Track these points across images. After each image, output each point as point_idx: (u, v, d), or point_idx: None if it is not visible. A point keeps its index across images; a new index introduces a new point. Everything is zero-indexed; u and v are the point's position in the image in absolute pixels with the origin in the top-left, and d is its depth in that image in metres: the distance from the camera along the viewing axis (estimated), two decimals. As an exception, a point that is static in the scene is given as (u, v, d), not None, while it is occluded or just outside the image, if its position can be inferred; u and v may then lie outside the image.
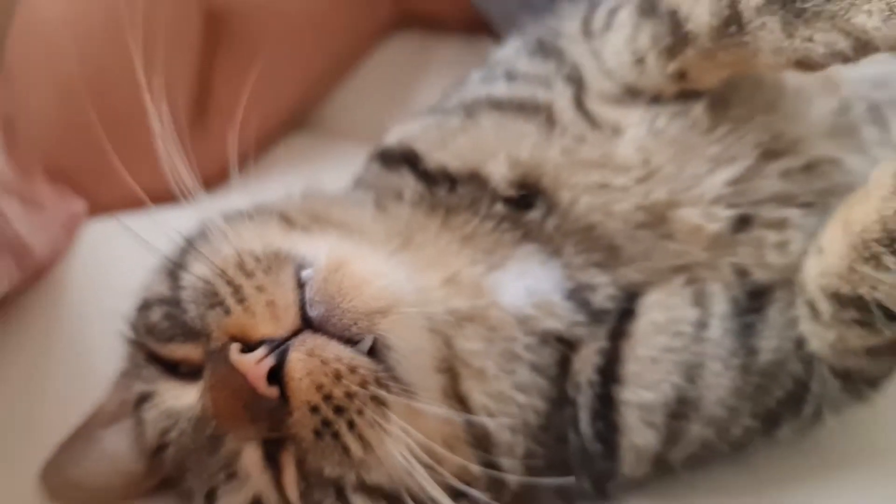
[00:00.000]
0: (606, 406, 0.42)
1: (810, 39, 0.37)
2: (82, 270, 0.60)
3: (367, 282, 0.38)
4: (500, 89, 0.48)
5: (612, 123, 0.45)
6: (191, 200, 0.45)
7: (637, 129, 0.44)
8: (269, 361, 0.35)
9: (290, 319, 0.36)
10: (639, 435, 0.42)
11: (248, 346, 0.35)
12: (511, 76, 0.49)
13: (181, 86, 0.74)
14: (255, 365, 0.35)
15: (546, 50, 0.49)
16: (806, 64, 0.37)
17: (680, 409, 0.42)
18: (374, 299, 0.37)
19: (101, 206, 0.67)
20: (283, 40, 0.85)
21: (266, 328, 0.36)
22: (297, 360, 0.35)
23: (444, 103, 0.51)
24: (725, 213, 0.43)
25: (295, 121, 0.91)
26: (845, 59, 0.36)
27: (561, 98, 0.46)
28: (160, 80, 0.66)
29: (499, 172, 0.44)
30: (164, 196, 0.67)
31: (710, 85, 0.43)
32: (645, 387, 0.42)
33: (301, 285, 0.37)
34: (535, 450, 0.42)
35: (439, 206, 0.45)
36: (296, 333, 0.36)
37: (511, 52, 0.52)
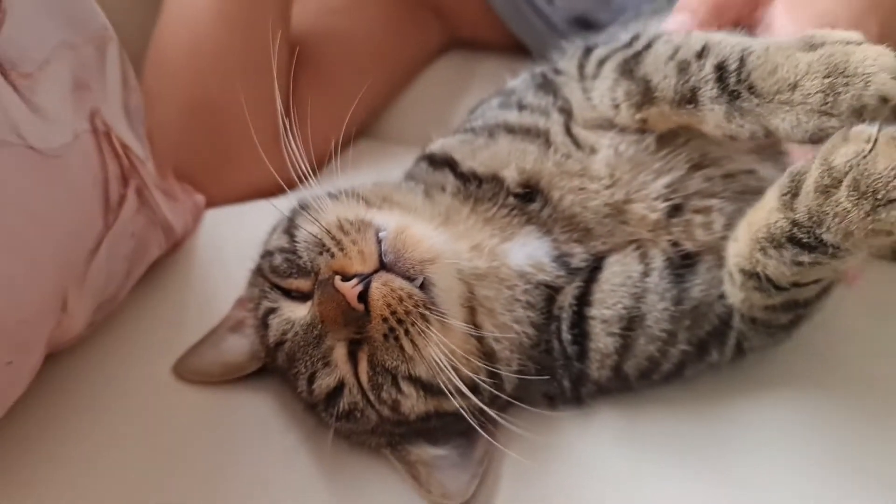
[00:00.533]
0: (580, 320, 0.58)
1: (741, 126, 0.51)
2: (204, 244, 0.76)
3: (420, 241, 0.54)
4: (513, 117, 0.64)
5: (590, 144, 0.61)
6: (292, 190, 0.63)
7: (607, 150, 0.60)
8: (359, 287, 0.52)
9: (372, 262, 0.53)
10: (601, 340, 0.58)
11: (346, 278, 0.52)
12: (521, 106, 0.65)
13: (274, 103, 0.89)
14: (350, 289, 0.51)
15: (546, 86, 0.65)
16: (734, 137, 0.53)
17: (630, 325, 0.57)
18: (426, 252, 0.54)
19: (214, 199, 0.82)
20: (350, 64, 0.97)
21: (358, 267, 0.53)
22: (377, 288, 0.52)
23: (472, 123, 0.67)
24: (662, 205, 0.59)
25: (361, 129, 1.02)
26: (762, 138, 0.52)
27: (555, 125, 0.62)
28: (260, 99, 0.81)
29: (511, 176, 0.60)
30: (258, 192, 0.83)
31: (663, 129, 0.59)
32: (606, 307, 0.58)
33: (379, 241, 0.54)
34: (526, 364, 0.58)
35: (470, 197, 0.61)
36: (376, 271, 0.53)
37: (521, 84, 0.68)
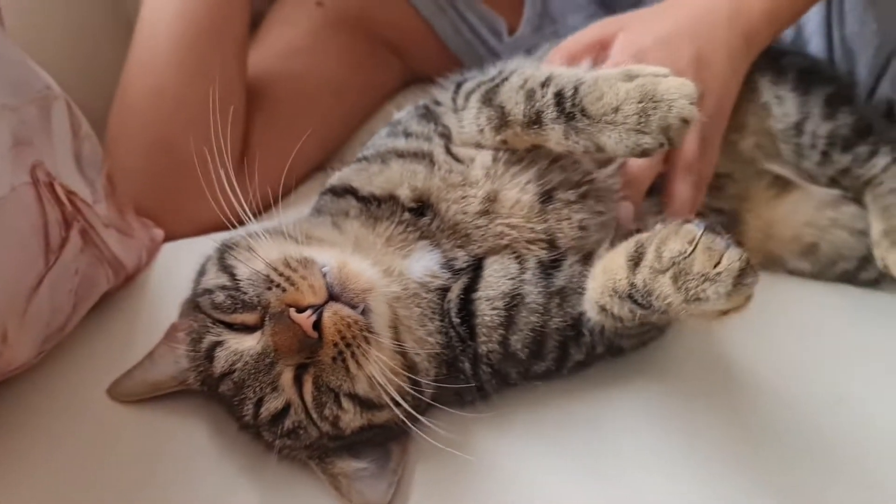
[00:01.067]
0: (467, 304, 0.67)
1: (576, 142, 0.62)
2: (157, 276, 0.82)
3: (359, 274, 0.63)
4: (401, 143, 0.73)
5: (469, 158, 0.70)
6: (238, 227, 0.70)
7: (482, 157, 0.69)
8: (314, 317, 0.59)
9: (322, 294, 0.60)
10: (486, 314, 0.66)
11: (300, 310, 0.59)
12: (407, 134, 0.74)
13: (231, 144, 0.88)
14: (306, 319, 0.59)
15: (428, 115, 0.75)
16: (572, 152, 0.64)
17: (511, 301, 0.66)
18: (365, 283, 0.62)
19: (175, 234, 0.89)
20: (308, 104, 1.02)
21: (310, 299, 0.60)
22: (328, 317, 0.59)
23: (364, 153, 0.76)
24: (534, 189, 0.68)
25: (321, 164, 1.05)
26: (594, 152, 0.63)
27: (437, 147, 0.71)
28: (217, 141, 0.88)
29: (405, 194, 0.69)
30: (217, 227, 0.90)
31: (521, 147, 0.69)
32: (490, 289, 0.66)
33: (324, 276, 0.61)
34: (440, 371, 0.66)
35: (371, 218, 0.69)
36: (326, 302, 0.60)
37: (406, 115, 0.78)
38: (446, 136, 0.73)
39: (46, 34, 0.94)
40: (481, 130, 0.69)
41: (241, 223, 0.90)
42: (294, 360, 0.60)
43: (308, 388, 0.61)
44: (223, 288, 0.65)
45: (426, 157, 0.70)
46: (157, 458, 0.65)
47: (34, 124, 0.64)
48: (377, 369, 0.60)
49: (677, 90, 0.58)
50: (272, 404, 0.62)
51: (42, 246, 0.63)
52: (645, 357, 0.73)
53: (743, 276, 0.51)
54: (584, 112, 0.61)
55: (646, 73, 0.60)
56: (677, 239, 0.54)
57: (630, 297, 0.57)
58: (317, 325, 0.59)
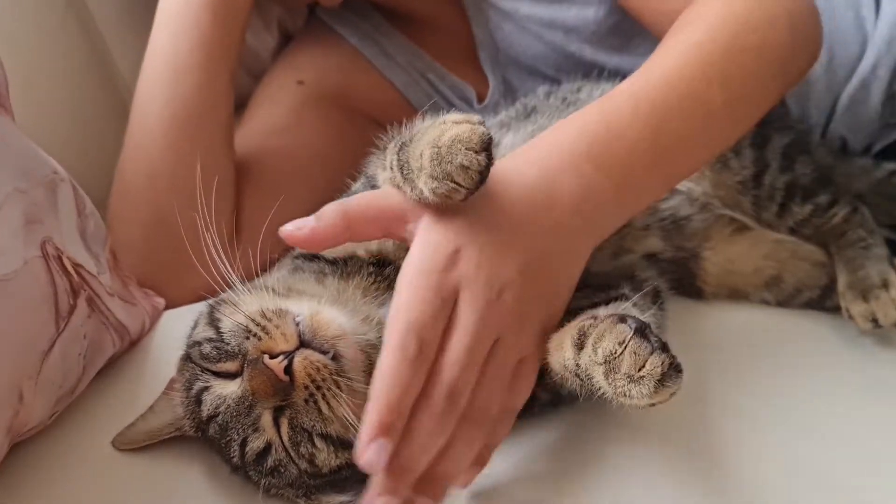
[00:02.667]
0: None
1: (412, 191, 0.63)
2: (159, 342, 0.88)
3: (330, 322, 0.68)
4: None
5: None
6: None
7: None
8: (285, 362, 0.64)
9: (293, 341, 0.66)
10: None
11: (273, 356, 0.65)
12: None
13: (225, 217, 0.97)
14: (278, 364, 0.64)
15: (371, 184, 0.80)
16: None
17: None
18: (336, 330, 0.68)
19: (176, 302, 0.94)
20: (294, 177, 1.07)
21: (282, 346, 0.66)
22: (299, 362, 0.65)
23: None
24: None
25: None
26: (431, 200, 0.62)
27: None
28: (209, 216, 0.95)
29: (363, 254, 0.76)
30: (211, 294, 0.95)
31: None
32: None
33: (297, 324, 0.67)
34: None
35: (344, 275, 0.76)
36: (297, 348, 0.66)
37: (358, 186, 0.84)
38: None
39: (50, 121, 1.02)
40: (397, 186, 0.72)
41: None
42: (270, 402, 0.66)
43: (285, 428, 0.66)
44: (209, 340, 0.71)
45: None
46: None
47: (43, 205, 0.72)
48: (348, 411, 0.65)
49: (456, 136, 0.59)
50: (255, 444, 0.67)
51: (52, 312, 0.70)
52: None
53: (664, 380, 0.56)
54: (406, 165, 0.63)
55: (451, 120, 0.61)
56: (610, 337, 0.59)
57: (576, 374, 0.62)
58: (288, 370, 0.65)
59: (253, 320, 0.68)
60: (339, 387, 0.65)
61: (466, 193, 0.59)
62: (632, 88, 0.75)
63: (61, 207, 0.75)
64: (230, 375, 0.69)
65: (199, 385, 0.70)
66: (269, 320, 0.68)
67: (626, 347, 0.58)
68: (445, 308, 0.60)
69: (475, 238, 0.62)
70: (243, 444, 0.67)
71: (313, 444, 0.67)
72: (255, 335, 0.67)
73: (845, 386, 0.82)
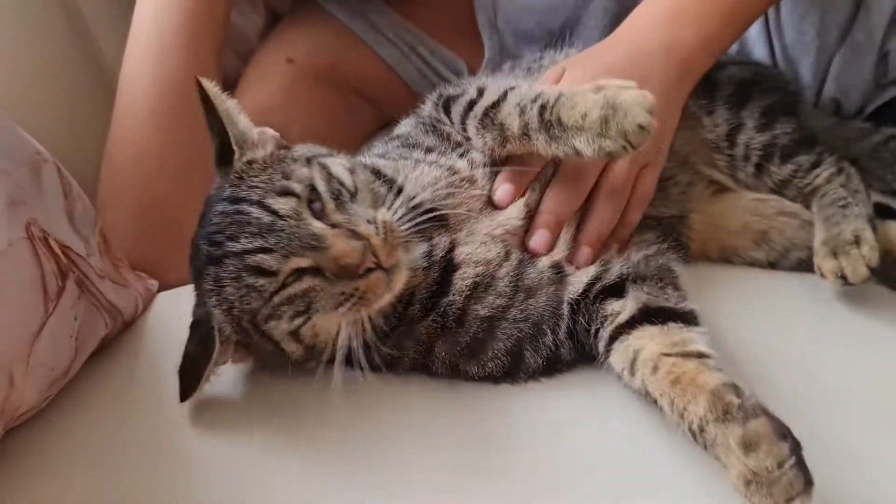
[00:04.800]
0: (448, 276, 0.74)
1: (557, 149, 0.69)
2: (154, 324, 0.87)
3: None
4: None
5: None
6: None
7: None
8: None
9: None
10: (460, 283, 0.73)
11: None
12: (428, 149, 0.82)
13: None
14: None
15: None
16: (556, 157, 0.73)
17: (481, 281, 0.72)
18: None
19: (170, 283, 0.92)
20: None
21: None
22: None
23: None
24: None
25: None
26: (574, 158, 0.70)
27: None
28: (197, 194, 0.94)
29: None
30: None
31: (522, 153, 0.75)
32: (466, 265, 0.73)
33: None
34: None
35: None
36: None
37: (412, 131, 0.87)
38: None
39: (35, 105, 1.01)
40: (487, 147, 0.77)
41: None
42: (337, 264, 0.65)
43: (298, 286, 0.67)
44: None
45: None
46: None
47: (27, 186, 0.71)
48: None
49: (634, 99, 0.66)
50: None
51: (41, 295, 0.69)
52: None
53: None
54: (559, 121, 0.69)
55: (611, 84, 0.68)
56: (769, 452, 0.56)
57: (691, 431, 0.61)
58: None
59: None
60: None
61: (626, 154, 0.68)
62: None
63: (46, 189, 0.74)
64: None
65: None
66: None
67: (783, 474, 0.56)
68: None
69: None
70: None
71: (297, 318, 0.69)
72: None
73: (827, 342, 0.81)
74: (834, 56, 1.08)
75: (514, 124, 0.73)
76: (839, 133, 1.04)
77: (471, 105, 0.79)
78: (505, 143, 0.75)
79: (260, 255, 0.66)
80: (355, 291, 0.66)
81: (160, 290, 0.94)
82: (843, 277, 0.83)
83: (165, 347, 0.82)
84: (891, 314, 0.86)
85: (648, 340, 0.69)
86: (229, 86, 1.16)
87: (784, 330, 0.83)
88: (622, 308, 0.73)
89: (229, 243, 0.67)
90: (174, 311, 0.86)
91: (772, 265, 0.94)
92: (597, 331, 0.73)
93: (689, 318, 0.72)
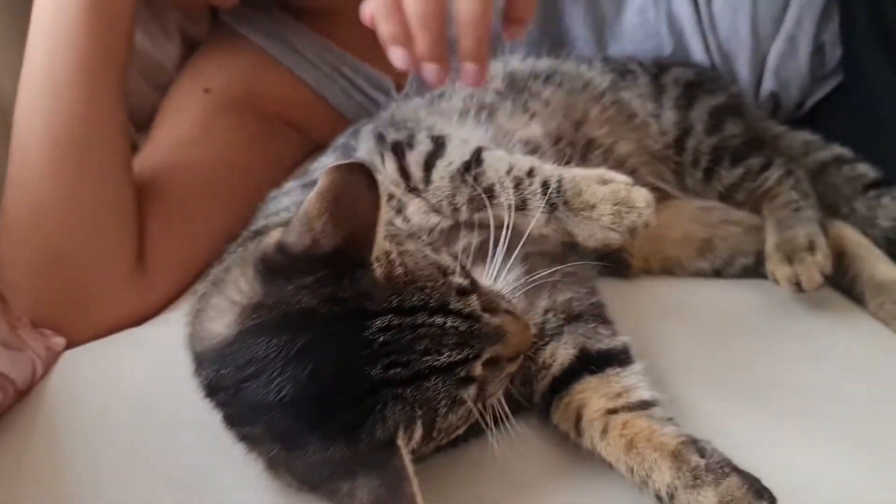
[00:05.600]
0: None
1: (554, 229, 0.70)
2: (55, 387, 0.79)
3: None
4: None
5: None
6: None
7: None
8: None
9: None
10: None
11: None
12: None
13: (123, 241, 0.91)
14: None
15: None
16: (545, 236, 0.72)
17: None
18: None
19: (80, 339, 0.87)
20: (206, 192, 1.01)
21: None
22: None
23: None
24: None
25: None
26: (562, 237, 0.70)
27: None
28: (109, 241, 0.88)
29: None
30: (122, 326, 0.89)
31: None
32: None
33: None
34: None
35: None
36: None
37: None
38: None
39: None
40: (456, 208, 0.73)
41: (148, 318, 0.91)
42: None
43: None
44: None
45: None
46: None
47: None
48: None
49: (645, 199, 0.67)
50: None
51: None
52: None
53: None
54: (566, 204, 0.68)
55: (618, 180, 0.68)
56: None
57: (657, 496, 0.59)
58: None
59: None
60: None
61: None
62: None
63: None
64: None
65: None
66: None
67: None
68: None
69: None
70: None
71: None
72: None
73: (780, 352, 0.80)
74: (770, 49, 1.05)
75: (504, 194, 0.70)
76: (787, 143, 1.01)
77: (431, 157, 0.74)
78: (482, 208, 0.71)
79: (469, 364, 0.58)
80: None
81: (68, 346, 0.87)
82: (798, 284, 0.81)
83: (69, 414, 0.77)
84: (841, 318, 0.85)
85: (591, 394, 0.66)
86: (145, 120, 1.13)
87: (731, 338, 0.82)
88: (553, 358, 0.70)
89: (426, 358, 0.56)
90: (82, 370, 0.83)
91: (717, 273, 0.91)
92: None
93: (623, 358, 0.69)
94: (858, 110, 0.99)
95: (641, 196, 0.67)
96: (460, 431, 0.60)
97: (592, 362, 0.68)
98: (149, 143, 1.08)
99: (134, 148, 1.07)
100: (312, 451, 0.54)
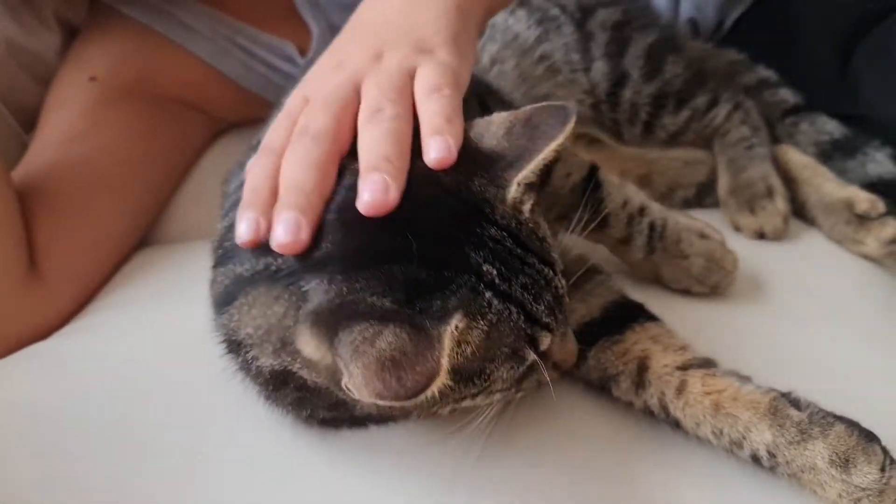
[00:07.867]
0: None
1: (643, 266, 0.74)
2: None
3: None
4: None
5: None
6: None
7: None
8: None
9: None
10: None
11: None
12: None
13: (9, 256, 0.82)
14: None
15: None
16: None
17: None
18: None
19: None
20: (101, 187, 0.93)
21: None
22: None
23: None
24: None
25: (141, 238, 0.99)
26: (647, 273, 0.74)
27: None
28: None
29: None
30: (11, 347, 0.80)
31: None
32: None
33: None
34: None
35: None
36: None
37: None
38: None
39: None
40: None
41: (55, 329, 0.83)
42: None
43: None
44: None
45: None
46: None
47: None
48: None
49: (734, 263, 0.72)
50: None
51: None
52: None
53: None
54: (664, 248, 0.71)
55: (715, 238, 0.72)
56: (867, 461, 0.51)
57: (759, 464, 0.55)
58: None
59: None
60: None
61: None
62: None
63: None
64: None
65: None
66: None
67: (891, 477, 0.51)
68: None
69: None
70: None
71: None
72: None
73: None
74: None
75: (619, 226, 0.72)
76: (713, 64, 0.97)
77: None
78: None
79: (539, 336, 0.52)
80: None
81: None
82: (762, 234, 0.83)
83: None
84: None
85: (651, 344, 0.62)
86: (32, 119, 1.04)
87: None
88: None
89: (525, 294, 0.51)
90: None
91: None
92: None
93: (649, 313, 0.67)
94: (775, 26, 0.96)
95: (731, 259, 0.72)
96: (476, 403, 0.53)
97: (628, 309, 0.66)
98: (34, 141, 0.99)
99: (23, 150, 0.99)
100: (363, 285, 0.47)
